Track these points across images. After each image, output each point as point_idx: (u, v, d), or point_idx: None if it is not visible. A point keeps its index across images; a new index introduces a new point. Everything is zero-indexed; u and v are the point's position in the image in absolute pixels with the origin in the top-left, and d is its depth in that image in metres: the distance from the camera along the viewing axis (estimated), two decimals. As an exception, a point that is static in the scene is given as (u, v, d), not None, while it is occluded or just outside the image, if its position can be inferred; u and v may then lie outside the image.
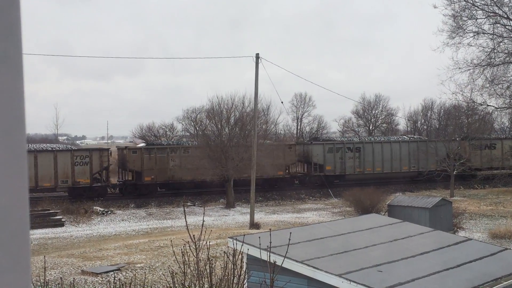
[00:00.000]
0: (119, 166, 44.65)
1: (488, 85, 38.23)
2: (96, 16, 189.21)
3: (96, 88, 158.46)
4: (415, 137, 54.85)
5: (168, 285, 9.20)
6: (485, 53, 37.49)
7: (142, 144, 46.80)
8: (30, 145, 41.77)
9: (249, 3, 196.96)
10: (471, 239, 12.86)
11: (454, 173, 43.63)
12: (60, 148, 41.49)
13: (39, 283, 10.17)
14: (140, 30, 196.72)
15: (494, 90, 38.73)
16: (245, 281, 7.89)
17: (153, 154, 42.52)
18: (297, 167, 49.67)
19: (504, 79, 38.61)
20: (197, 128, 47.02)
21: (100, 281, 17.09)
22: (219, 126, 40.85)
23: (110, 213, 36.61)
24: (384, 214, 25.37)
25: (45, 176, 38.74)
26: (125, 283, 8.69)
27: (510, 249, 12.38)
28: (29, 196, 0.89)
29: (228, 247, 9.47)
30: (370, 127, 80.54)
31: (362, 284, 8.01)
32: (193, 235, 7.12)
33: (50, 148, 40.61)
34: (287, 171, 46.98)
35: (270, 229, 9.04)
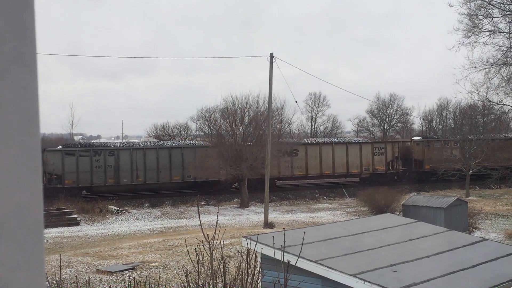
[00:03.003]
0: (400, 157, 49.76)
1: (504, 84, 37.87)
2: (106, 16, 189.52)
3: (108, 88, 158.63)
4: None
5: (182, 284, 9.24)
6: (501, 52, 37.17)
7: (418, 138, 53.65)
8: (313, 139, 53.90)
9: (258, 3, 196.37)
10: (486, 239, 12.77)
11: (470, 172, 43.33)
12: (363, 141, 50.73)
13: (54, 281, 10.24)
14: (150, 30, 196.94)
15: (511, 89, 38.38)
16: (259, 280, 7.90)
17: (431, 146, 50.03)
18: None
19: (520, 78, 38.23)
20: (211, 128, 47.12)
21: (115, 280, 17.18)
22: (233, 126, 40.88)
23: (124, 212, 36.78)
24: (399, 214, 25.26)
25: (353, 164, 47.00)
26: (140, 282, 8.74)
27: (526, 249, 12.26)
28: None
29: (242, 246, 9.48)
30: (385, 127, 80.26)
31: (376, 284, 7.99)
32: (207, 235, 7.14)
33: (354, 141, 50.89)
34: None
35: (284, 228, 9.04)
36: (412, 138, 54.76)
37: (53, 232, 29.45)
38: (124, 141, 59.98)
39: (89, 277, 15.70)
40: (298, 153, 45.35)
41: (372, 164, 47.76)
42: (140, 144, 45.90)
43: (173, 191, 42.76)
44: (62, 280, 9.46)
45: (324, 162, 46.20)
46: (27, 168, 0.86)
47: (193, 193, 42.26)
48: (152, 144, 45.69)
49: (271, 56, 30.26)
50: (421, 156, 49.57)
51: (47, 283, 12.23)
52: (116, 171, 40.89)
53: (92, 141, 57.95)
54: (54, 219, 31.95)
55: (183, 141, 50.85)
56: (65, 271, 17.83)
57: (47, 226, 30.42)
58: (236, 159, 38.93)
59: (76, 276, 15.02)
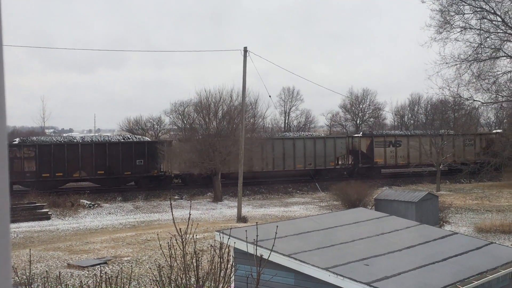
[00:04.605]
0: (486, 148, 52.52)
1: (474, 80, 38.48)
2: (74, 7, 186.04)
3: (79, 81, 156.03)
4: None
5: (154, 279, 9.20)
6: (472, 48, 37.72)
7: (501, 130, 55.35)
8: (413, 131, 56.43)
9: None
10: (456, 233, 12.96)
11: (440, 167, 43.91)
12: (455, 133, 51.56)
13: (24, 276, 10.11)
14: (120, 22, 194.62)
15: (481, 85, 38.99)
16: (232, 274, 7.90)
17: None
18: None
19: (490, 74, 38.86)
20: (185, 122, 46.93)
21: (86, 275, 17.03)
22: (207, 120, 40.76)
23: (97, 206, 36.46)
24: (371, 208, 25.48)
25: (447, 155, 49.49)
26: (112, 276, 8.67)
27: (495, 243, 12.49)
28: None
29: (215, 240, 9.47)
30: (358, 121, 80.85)
31: (348, 278, 8.05)
32: (180, 229, 7.11)
33: (446, 132, 51.23)
34: None
35: (257, 222, 9.05)
36: (495, 131, 57.15)
37: (23, 227, 29.08)
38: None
39: (60, 271, 15.54)
40: (401, 143, 50.57)
41: (463, 154, 51.75)
42: None
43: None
44: (32, 275, 9.34)
45: (422, 152, 49.58)
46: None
47: (165, 187, 42.18)
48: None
49: (245, 50, 30.19)
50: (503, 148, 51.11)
51: (16, 278, 12.06)
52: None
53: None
54: (24, 214, 31.54)
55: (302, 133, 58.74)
56: (35, 266, 17.62)
57: (18, 220, 30.03)
58: (209, 153, 38.85)
59: (46, 271, 14.86)
